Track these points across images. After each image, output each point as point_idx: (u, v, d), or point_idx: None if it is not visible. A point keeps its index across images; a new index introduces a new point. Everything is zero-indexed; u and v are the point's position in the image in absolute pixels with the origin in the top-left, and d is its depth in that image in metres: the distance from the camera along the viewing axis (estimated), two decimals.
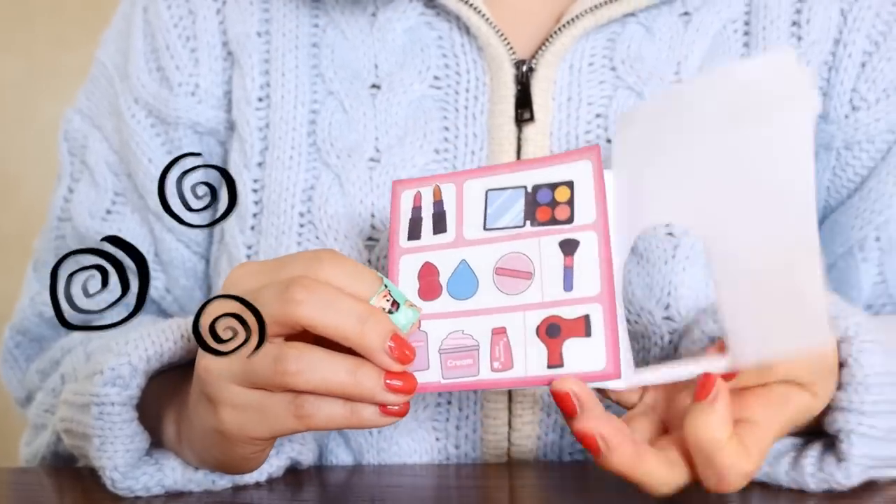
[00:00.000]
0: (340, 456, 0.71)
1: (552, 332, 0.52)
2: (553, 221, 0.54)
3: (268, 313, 0.50)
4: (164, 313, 0.80)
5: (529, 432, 0.69)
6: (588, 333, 0.51)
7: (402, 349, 0.51)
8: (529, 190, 0.55)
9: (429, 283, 0.55)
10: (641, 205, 0.53)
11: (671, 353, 0.68)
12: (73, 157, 0.80)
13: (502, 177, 0.56)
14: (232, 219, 0.74)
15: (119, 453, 0.59)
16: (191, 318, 0.61)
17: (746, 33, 0.73)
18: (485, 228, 0.55)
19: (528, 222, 0.54)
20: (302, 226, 0.71)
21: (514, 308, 0.53)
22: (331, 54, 0.74)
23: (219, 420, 0.53)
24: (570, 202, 0.54)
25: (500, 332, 0.53)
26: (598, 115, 0.71)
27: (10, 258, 1.67)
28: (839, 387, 0.57)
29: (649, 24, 0.73)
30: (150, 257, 0.78)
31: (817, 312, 0.47)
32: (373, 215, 0.70)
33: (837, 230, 0.74)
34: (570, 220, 0.53)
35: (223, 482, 0.62)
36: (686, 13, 0.73)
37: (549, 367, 0.51)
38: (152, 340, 0.60)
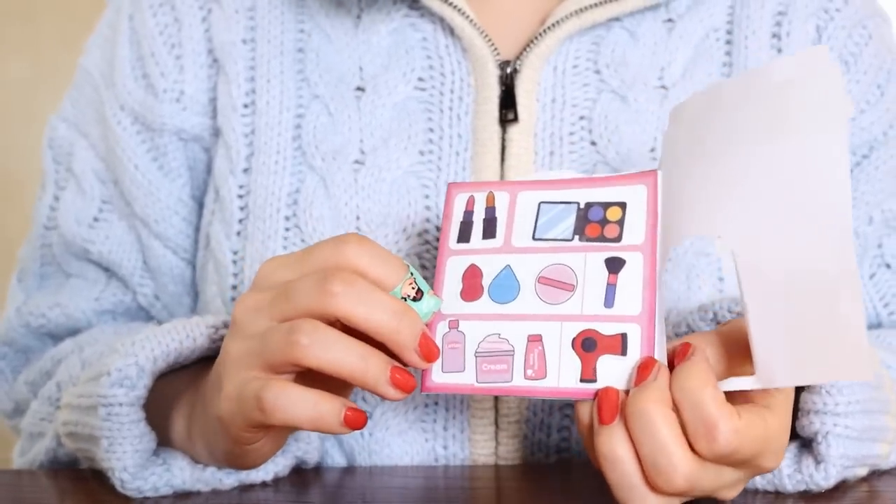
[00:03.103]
0: (335, 457, 0.71)
1: (588, 345, 0.52)
2: (601, 238, 0.54)
3: (304, 304, 0.52)
4: (153, 321, 0.81)
5: (516, 431, 0.69)
6: (624, 352, 0.52)
7: (430, 347, 0.53)
8: (582, 206, 0.55)
9: (472, 284, 0.55)
10: (679, 215, 0.53)
11: None
12: (58, 165, 0.81)
13: (557, 191, 0.56)
14: (217, 224, 0.74)
15: (128, 454, 0.60)
16: (196, 318, 0.62)
17: (728, 42, 0.74)
18: (533, 238, 0.55)
19: (576, 237, 0.54)
20: (287, 230, 0.71)
21: (552, 317, 0.53)
22: (316, 58, 0.74)
23: (218, 406, 0.55)
24: (621, 222, 0.54)
25: (535, 339, 0.53)
26: (581, 118, 0.71)
27: (15, 259, 1.68)
28: (811, 391, 0.57)
29: (633, 30, 0.73)
30: (138, 264, 0.79)
31: (860, 344, 0.46)
32: (358, 217, 0.70)
33: None
34: (618, 238, 0.54)
35: (230, 481, 0.63)
36: (670, 20, 0.74)
37: (582, 380, 0.52)
38: (158, 341, 0.61)
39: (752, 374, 0.50)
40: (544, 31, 0.71)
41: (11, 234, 1.81)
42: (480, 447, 0.70)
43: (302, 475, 0.67)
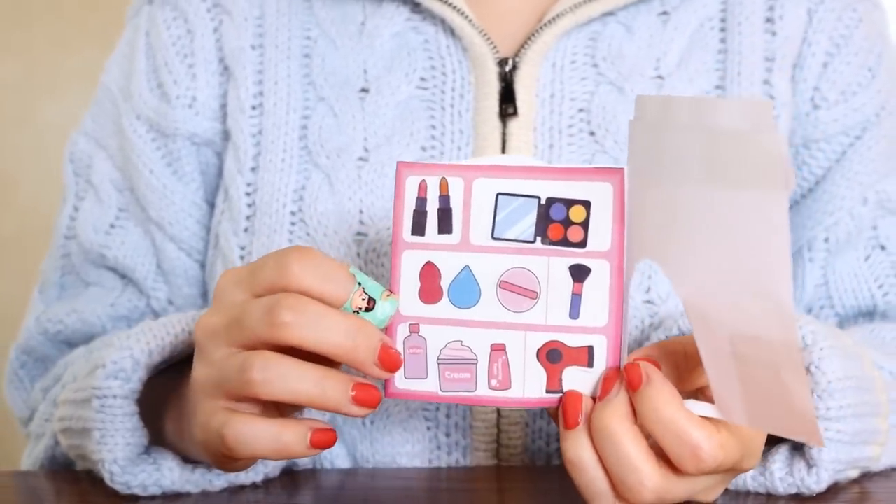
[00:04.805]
0: (334, 449, 0.71)
1: (553, 357, 0.52)
2: (565, 242, 0.52)
3: (255, 334, 0.51)
4: None
5: (517, 418, 0.70)
6: (590, 364, 0.52)
7: (391, 358, 0.52)
8: (543, 202, 0.52)
9: (430, 285, 0.53)
10: (638, 230, 0.51)
11: (644, 341, 0.70)
12: (77, 178, 0.82)
13: (515, 181, 0.52)
14: (226, 223, 0.76)
15: (119, 446, 0.60)
16: (192, 312, 0.63)
17: (723, 30, 0.76)
18: (493, 237, 0.53)
19: (538, 238, 0.52)
20: (293, 224, 0.73)
21: (516, 326, 0.52)
22: (322, 62, 0.76)
23: (192, 431, 0.56)
24: (585, 224, 0.52)
25: (499, 348, 0.52)
26: (580, 110, 0.73)
27: (8, 259, 1.67)
28: None
29: (629, 23, 0.75)
30: (152, 269, 0.79)
31: (806, 412, 0.45)
32: (361, 211, 0.72)
33: (790, 229, 0.74)
34: (583, 243, 0.52)
35: (220, 482, 0.62)
36: (665, 12, 0.76)
37: (548, 391, 0.52)
38: (154, 334, 0.61)
39: (701, 385, 0.51)
40: (541, 27, 0.73)
41: (4, 232, 1.81)
42: (482, 434, 0.70)
43: (293, 476, 0.66)
